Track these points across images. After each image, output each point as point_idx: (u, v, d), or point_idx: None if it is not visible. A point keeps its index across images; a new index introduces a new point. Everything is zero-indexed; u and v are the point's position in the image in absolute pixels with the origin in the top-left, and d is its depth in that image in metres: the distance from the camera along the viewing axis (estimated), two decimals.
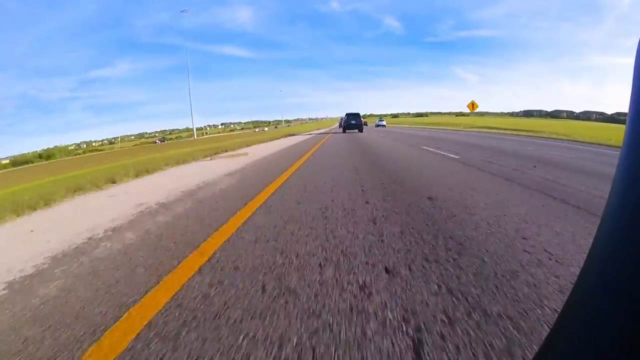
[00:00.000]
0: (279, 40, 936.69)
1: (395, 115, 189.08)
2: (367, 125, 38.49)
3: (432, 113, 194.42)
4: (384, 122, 42.30)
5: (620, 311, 0.23)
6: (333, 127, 55.64)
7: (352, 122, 21.11)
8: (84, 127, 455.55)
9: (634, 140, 0.26)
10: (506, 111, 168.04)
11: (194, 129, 45.76)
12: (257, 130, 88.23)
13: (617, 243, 0.25)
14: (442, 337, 0.96)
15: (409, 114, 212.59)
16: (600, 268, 0.26)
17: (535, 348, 0.90)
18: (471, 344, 0.92)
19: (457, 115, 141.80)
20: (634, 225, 0.24)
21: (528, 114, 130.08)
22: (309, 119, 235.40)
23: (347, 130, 21.83)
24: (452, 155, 6.26)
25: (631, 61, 0.28)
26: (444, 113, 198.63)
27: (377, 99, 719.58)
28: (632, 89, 0.28)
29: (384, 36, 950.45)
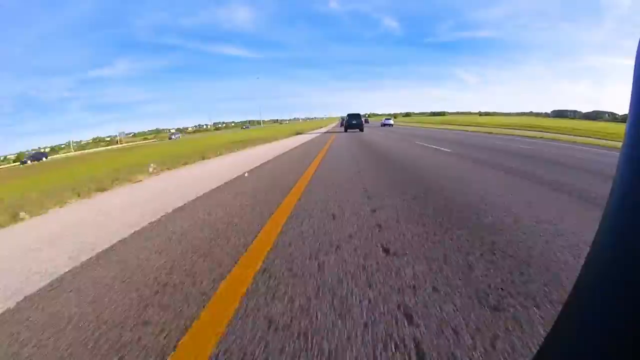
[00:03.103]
0: (277, 40, 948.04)
1: (407, 114, 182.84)
2: (368, 123, 40.46)
3: (448, 113, 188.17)
4: (391, 121, 41.34)
5: (620, 311, 0.24)
6: (330, 126, 48.33)
7: (353, 122, 22.97)
8: (84, 127, 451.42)
9: (634, 140, 0.28)
10: (515, 111, 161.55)
11: None
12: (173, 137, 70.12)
13: (617, 243, 0.27)
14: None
15: (409, 113, 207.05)
16: (600, 268, 0.28)
17: None
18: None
19: (480, 115, 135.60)
20: (635, 226, 0.25)
21: (560, 114, 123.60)
22: (307, 118, 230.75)
23: (348, 130, 23.02)
24: None
25: None
26: (462, 113, 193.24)
27: (377, 100, 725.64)
28: (632, 89, 0.29)
29: (384, 37, 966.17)
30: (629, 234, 0.26)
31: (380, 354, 1.09)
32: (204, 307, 1.44)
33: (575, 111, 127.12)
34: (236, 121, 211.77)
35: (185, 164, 8.08)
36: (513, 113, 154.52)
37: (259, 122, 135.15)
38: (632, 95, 0.29)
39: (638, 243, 0.24)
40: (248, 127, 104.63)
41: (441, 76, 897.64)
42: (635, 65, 0.29)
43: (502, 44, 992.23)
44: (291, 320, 1.30)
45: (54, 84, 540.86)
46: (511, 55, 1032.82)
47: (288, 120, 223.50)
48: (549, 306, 1.33)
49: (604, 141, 15.65)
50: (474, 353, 1.07)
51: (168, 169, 7.23)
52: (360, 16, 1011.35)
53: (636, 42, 0.29)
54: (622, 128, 0.32)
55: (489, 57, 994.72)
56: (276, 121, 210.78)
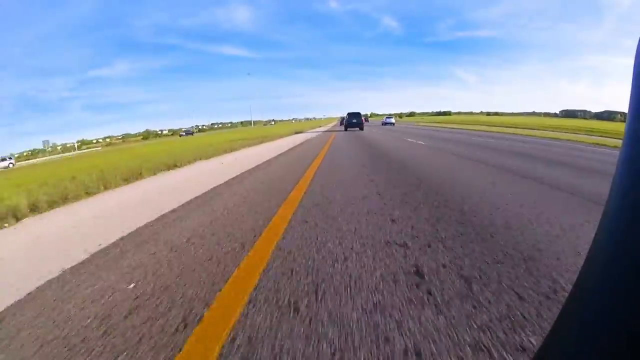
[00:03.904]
0: (277, 40, 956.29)
1: (411, 114, 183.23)
2: (368, 122, 42.00)
3: (452, 113, 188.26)
4: (392, 120, 42.84)
5: (620, 311, 0.24)
6: (329, 125, 46.89)
7: (354, 121, 22.92)
8: (84, 127, 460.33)
9: (633, 139, 0.28)
10: (518, 111, 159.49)
11: None
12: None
13: (617, 243, 0.27)
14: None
15: (412, 113, 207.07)
16: (600, 268, 0.28)
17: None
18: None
19: (488, 115, 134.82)
20: (635, 225, 0.25)
21: (570, 114, 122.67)
22: (306, 118, 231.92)
23: (348, 129, 22.89)
24: None
25: None
26: (464, 112, 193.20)
27: (378, 100, 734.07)
28: (632, 89, 0.30)
29: (383, 36, 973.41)
30: (628, 234, 0.26)
31: None
32: None
33: (585, 111, 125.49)
34: (234, 121, 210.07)
35: None
36: (519, 113, 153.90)
37: (250, 123, 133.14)
38: (631, 94, 0.30)
39: (638, 243, 0.25)
40: (190, 134, 76.14)
41: (441, 76, 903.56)
42: (634, 65, 0.29)
43: (501, 44, 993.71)
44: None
45: (54, 84, 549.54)
46: (510, 55, 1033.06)
47: (274, 121, 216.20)
48: None
49: None
50: None
51: None
52: (360, 16, 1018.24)
53: (636, 42, 0.29)
54: None
55: (488, 56, 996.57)
56: (269, 122, 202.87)
